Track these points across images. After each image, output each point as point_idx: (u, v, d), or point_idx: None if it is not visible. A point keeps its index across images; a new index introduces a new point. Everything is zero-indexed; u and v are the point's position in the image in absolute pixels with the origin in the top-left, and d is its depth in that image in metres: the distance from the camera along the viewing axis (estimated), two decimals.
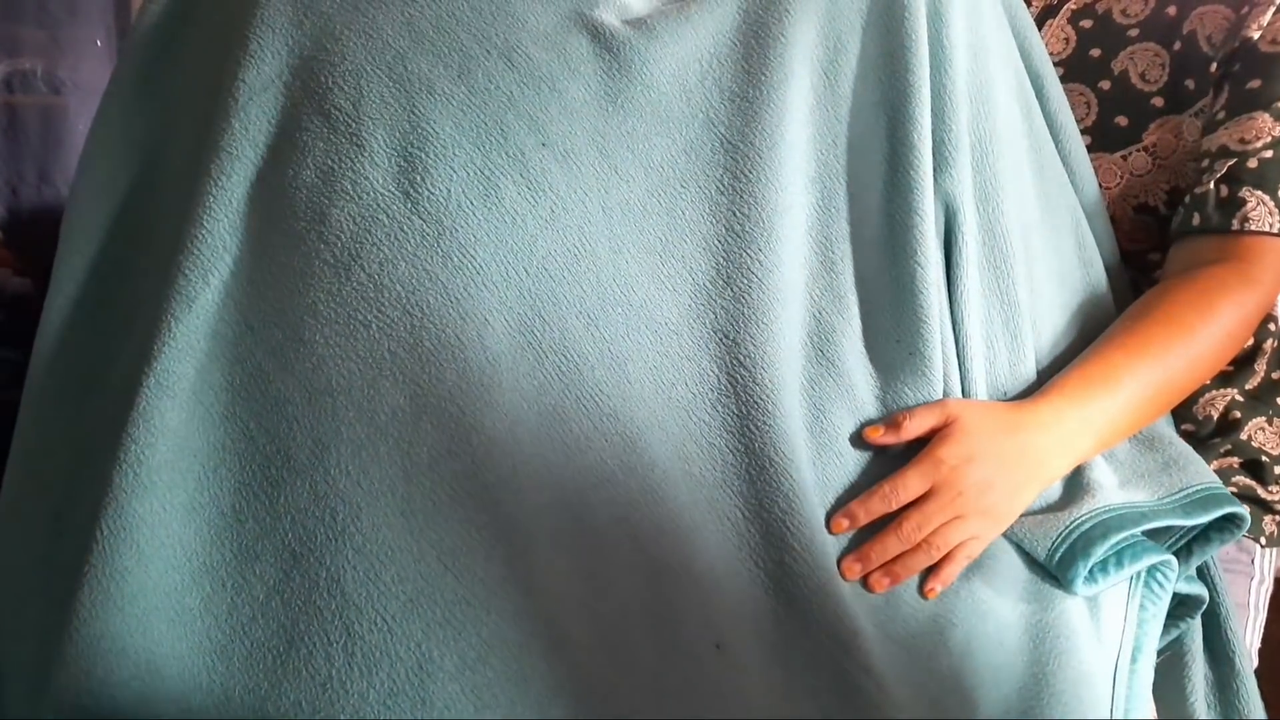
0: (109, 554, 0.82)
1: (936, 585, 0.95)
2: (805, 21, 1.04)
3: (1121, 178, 1.29)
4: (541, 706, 0.76)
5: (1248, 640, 1.31)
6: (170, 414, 0.85)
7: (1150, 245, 1.28)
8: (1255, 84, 1.18)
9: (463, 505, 0.80)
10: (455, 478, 0.81)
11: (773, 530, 0.90)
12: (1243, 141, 1.17)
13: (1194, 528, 1.05)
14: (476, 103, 0.94)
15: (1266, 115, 1.16)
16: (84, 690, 0.79)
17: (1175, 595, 1.05)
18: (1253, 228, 1.14)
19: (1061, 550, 0.96)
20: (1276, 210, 1.14)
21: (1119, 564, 0.98)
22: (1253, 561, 1.31)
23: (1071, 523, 0.98)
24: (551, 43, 0.98)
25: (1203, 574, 1.11)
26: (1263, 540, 1.29)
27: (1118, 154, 1.29)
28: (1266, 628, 1.35)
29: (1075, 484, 1.05)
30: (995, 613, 0.95)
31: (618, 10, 1.02)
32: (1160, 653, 1.06)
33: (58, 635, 0.80)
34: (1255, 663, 1.28)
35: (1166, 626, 1.05)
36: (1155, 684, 1.06)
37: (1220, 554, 1.14)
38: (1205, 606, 1.08)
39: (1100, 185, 1.26)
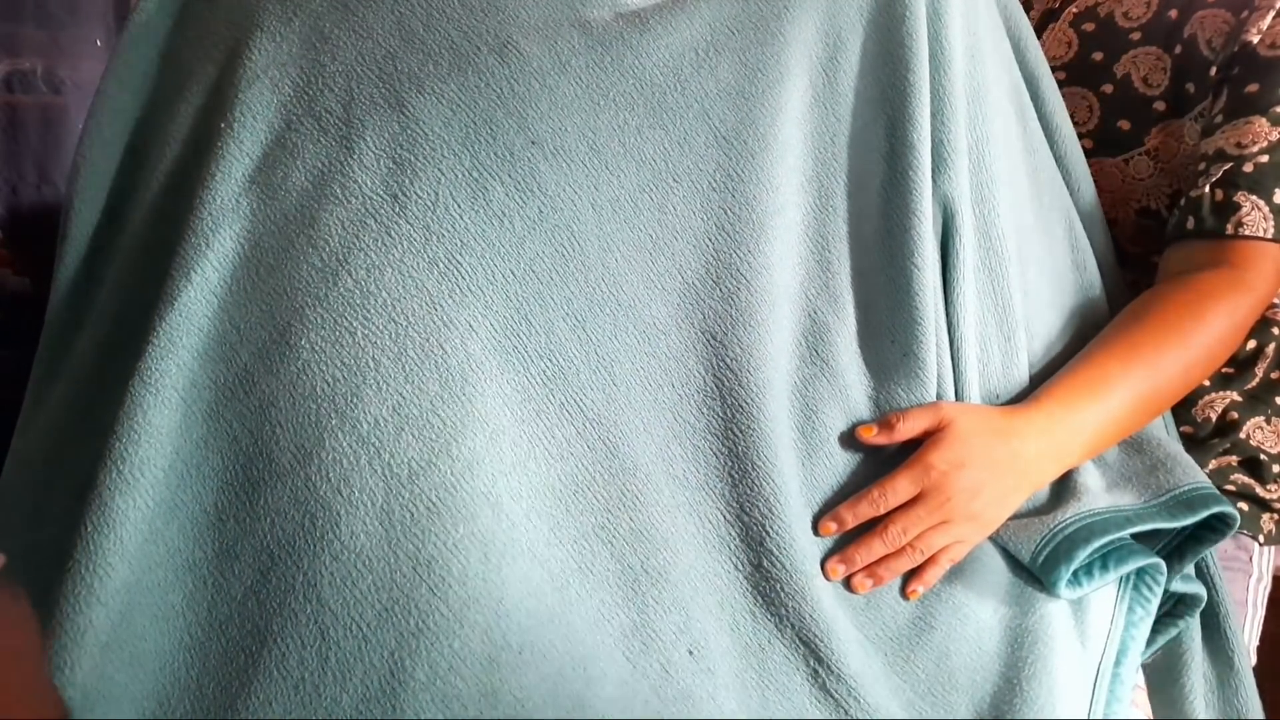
0: (94, 549, 0.83)
1: (918, 587, 0.96)
2: (805, 18, 1.04)
3: (1123, 182, 1.29)
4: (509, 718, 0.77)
5: (1246, 638, 1.31)
6: (154, 411, 0.86)
7: (1153, 249, 1.27)
8: (1253, 88, 1.17)
9: (440, 518, 0.80)
10: (434, 490, 0.81)
11: (752, 533, 0.90)
12: (1239, 145, 1.16)
13: (1185, 528, 1.04)
14: (466, 100, 0.94)
15: (1264, 120, 1.16)
16: (68, 683, 0.80)
17: (1173, 594, 1.05)
18: (1246, 232, 1.13)
19: (1045, 553, 0.97)
20: (1271, 215, 1.13)
21: (1104, 567, 0.98)
22: (1251, 559, 1.31)
23: (1056, 526, 0.98)
24: (543, 37, 0.98)
25: (1201, 572, 1.11)
26: (1261, 538, 1.29)
27: (1120, 158, 1.29)
28: (1265, 625, 1.35)
29: (1062, 487, 1.05)
30: (975, 616, 0.96)
31: (611, 3, 1.02)
32: (1158, 651, 1.06)
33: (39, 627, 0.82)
34: (1254, 660, 1.28)
35: (1165, 625, 1.05)
36: (1153, 682, 1.06)
37: (1219, 552, 1.14)
38: (1204, 605, 1.08)
39: (1102, 189, 1.25)
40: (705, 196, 0.97)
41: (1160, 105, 1.26)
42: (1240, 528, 1.24)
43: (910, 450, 0.99)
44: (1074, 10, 1.36)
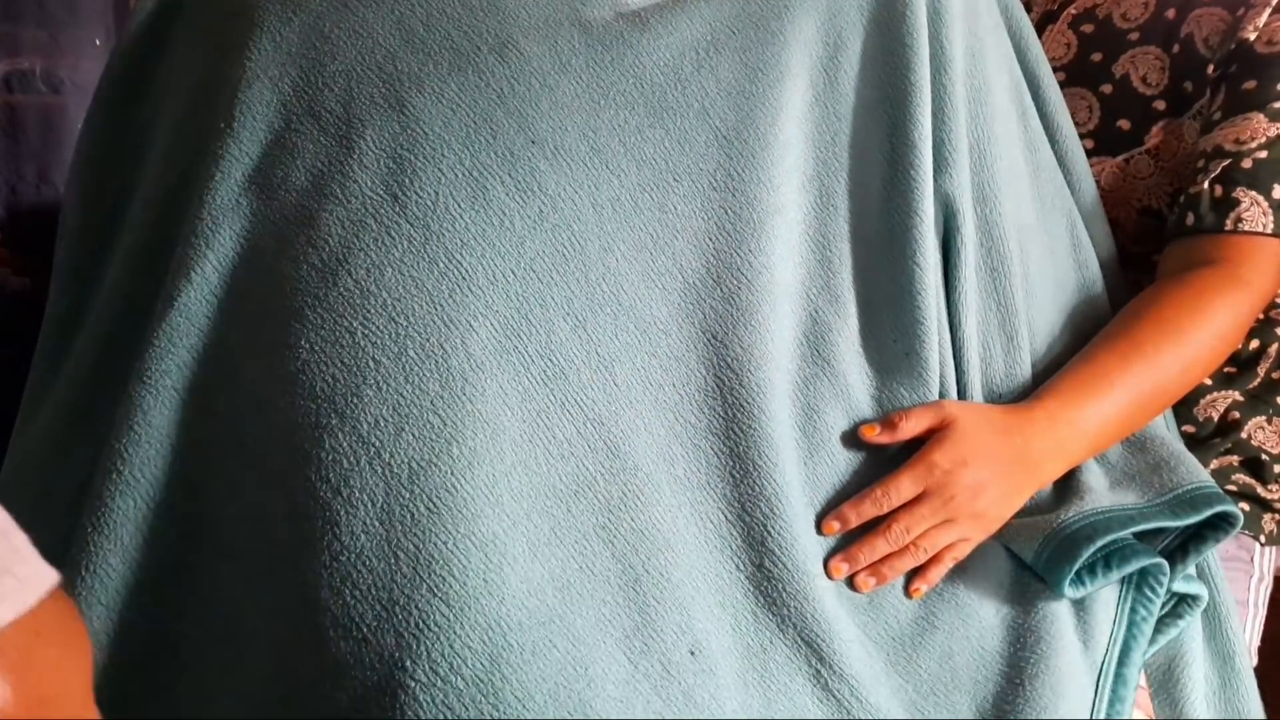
0: (94, 549, 0.83)
1: (922, 586, 0.96)
2: (805, 18, 1.04)
3: (1124, 181, 1.29)
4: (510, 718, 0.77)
5: (1247, 638, 1.31)
6: (154, 411, 0.86)
7: (1155, 248, 1.27)
8: (1251, 85, 1.18)
9: (441, 518, 0.80)
10: (434, 490, 0.80)
11: (754, 533, 0.90)
12: (1238, 142, 1.16)
13: (1187, 527, 1.04)
14: (467, 100, 0.94)
15: (1262, 116, 1.16)
16: None
17: (1174, 594, 1.05)
18: (1246, 228, 1.13)
19: (1048, 553, 0.97)
20: (1270, 210, 1.13)
21: (1108, 567, 0.98)
22: (1252, 559, 1.31)
23: (1059, 525, 0.98)
24: (543, 37, 0.98)
25: (1202, 572, 1.11)
26: (1262, 538, 1.29)
27: (1120, 157, 1.29)
28: (1266, 625, 1.35)
29: (1064, 486, 1.05)
30: (978, 615, 0.96)
31: (612, 3, 1.02)
32: (1159, 651, 1.06)
33: None
34: (1254, 661, 1.28)
35: (1166, 625, 1.05)
36: (1154, 682, 1.06)
37: (1220, 551, 1.14)
38: (1205, 605, 1.07)
39: (1103, 189, 1.26)
40: (705, 196, 0.97)
41: (1159, 104, 1.26)
42: (1241, 527, 1.23)
43: (912, 449, 0.99)
44: (1072, 12, 1.36)
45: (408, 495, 0.80)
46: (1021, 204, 1.12)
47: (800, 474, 0.95)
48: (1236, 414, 1.27)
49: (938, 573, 0.97)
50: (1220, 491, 1.04)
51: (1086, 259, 1.18)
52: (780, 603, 0.89)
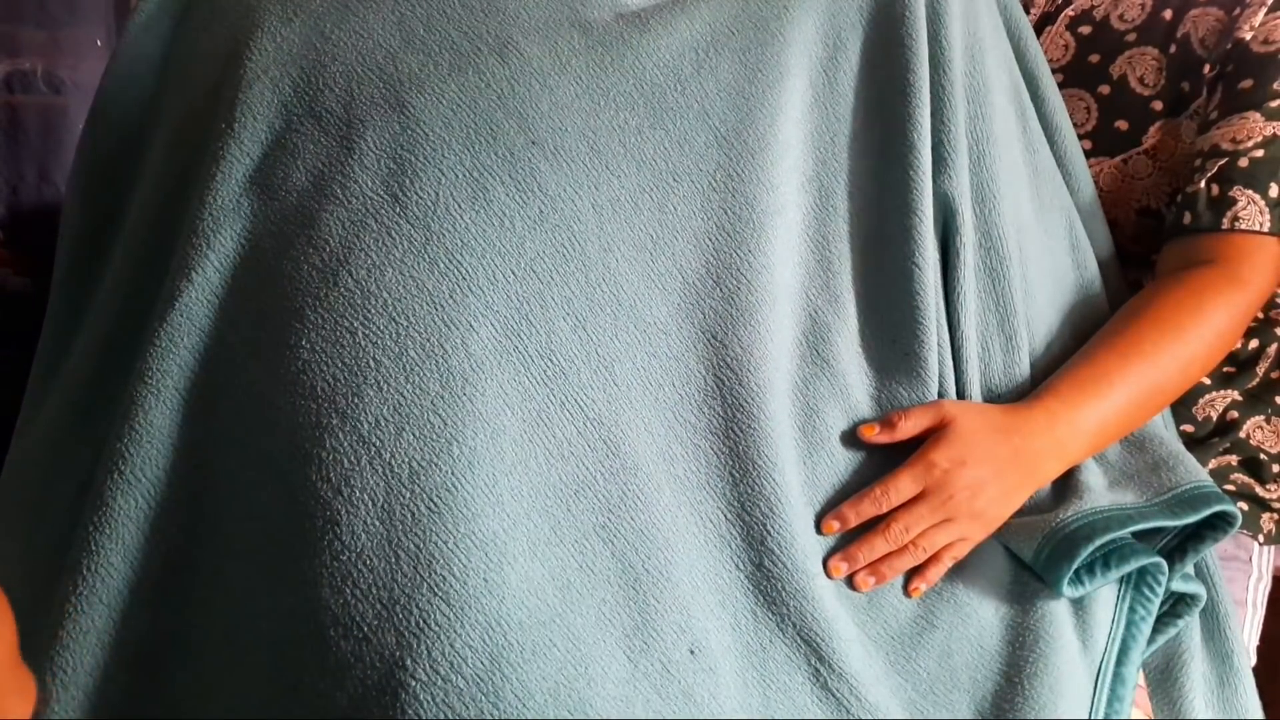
0: (94, 549, 0.83)
1: (921, 585, 0.96)
2: (805, 18, 1.04)
3: (1123, 181, 1.29)
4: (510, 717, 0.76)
5: (1246, 638, 1.31)
6: (154, 411, 0.86)
7: (1154, 248, 1.27)
8: (1247, 84, 1.18)
9: (441, 517, 0.79)
10: (435, 490, 0.80)
11: (754, 533, 0.90)
12: (1234, 141, 1.16)
13: (1185, 527, 1.04)
14: (467, 101, 0.94)
15: (1258, 115, 1.16)
16: (72, 682, 0.81)
17: (1173, 593, 1.05)
18: (1243, 226, 1.14)
19: (1047, 552, 0.97)
20: (1267, 209, 1.13)
21: (1107, 566, 0.98)
22: (1251, 559, 1.31)
23: (1058, 524, 0.98)
24: (543, 37, 0.98)
25: (1200, 571, 1.11)
26: (1261, 538, 1.29)
27: (1118, 158, 1.29)
28: (1265, 625, 1.35)
29: (1063, 485, 1.05)
30: (977, 614, 0.96)
31: (611, 3, 1.02)
32: (1157, 651, 1.06)
33: (40, 625, 0.82)
34: (1253, 660, 1.28)
35: (1164, 624, 1.05)
36: (1153, 682, 1.06)
37: (1218, 551, 1.14)
38: (1204, 604, 1.07)
39: (1102, 189, 1.26)
40: (705, 196, 0.97)
41: (1157, 105, 1.27)
42: (1240, 527, 1.23)
43: (911, 449, 1.00)
44: (1070, 13, 1.37)
45: (408, 495, 0.80)
46: (1020, 204, 1.12)
47: (800, 473, 0.95)
48: (1235, 413, 1.28)
49: (936, 572, 0.97)
50: (1219, 491, 1.04)
51: (1085, 258, 1.18)
52: (780, 602, 0.89)
